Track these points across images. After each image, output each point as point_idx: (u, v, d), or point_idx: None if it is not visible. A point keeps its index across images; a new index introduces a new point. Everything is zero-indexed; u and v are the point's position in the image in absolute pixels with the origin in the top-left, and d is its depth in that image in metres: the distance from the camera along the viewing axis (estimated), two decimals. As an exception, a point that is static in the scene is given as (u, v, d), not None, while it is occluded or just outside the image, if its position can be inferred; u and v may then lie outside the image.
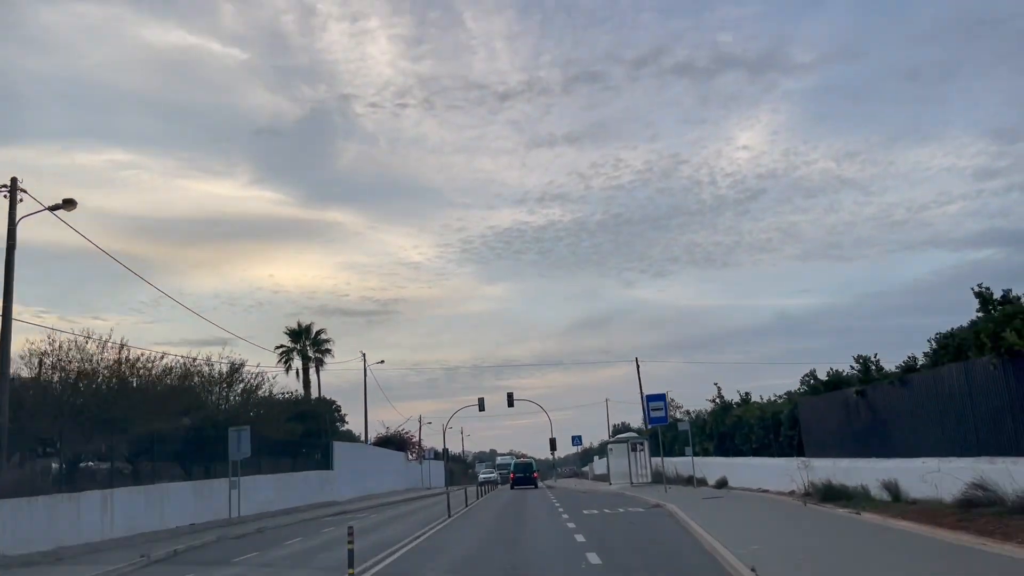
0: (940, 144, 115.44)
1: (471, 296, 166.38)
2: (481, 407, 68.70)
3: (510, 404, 65.84)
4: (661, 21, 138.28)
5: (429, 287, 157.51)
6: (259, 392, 36.29)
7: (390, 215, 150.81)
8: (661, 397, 32.34)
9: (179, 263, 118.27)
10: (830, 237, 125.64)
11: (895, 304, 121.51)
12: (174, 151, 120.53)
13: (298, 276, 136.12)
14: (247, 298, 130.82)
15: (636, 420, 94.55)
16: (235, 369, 33.67)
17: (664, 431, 34.87)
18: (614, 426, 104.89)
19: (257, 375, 35.67)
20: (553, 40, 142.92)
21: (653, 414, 31.72)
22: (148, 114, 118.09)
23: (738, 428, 30.82)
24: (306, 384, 58.51)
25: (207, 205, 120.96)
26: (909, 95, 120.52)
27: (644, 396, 30.41)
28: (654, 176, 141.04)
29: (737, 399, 34.63)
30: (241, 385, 34.57)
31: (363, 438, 62.79)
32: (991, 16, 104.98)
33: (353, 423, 64.25)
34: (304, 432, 43.48)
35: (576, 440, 72.12)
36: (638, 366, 62.61)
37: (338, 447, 47.74)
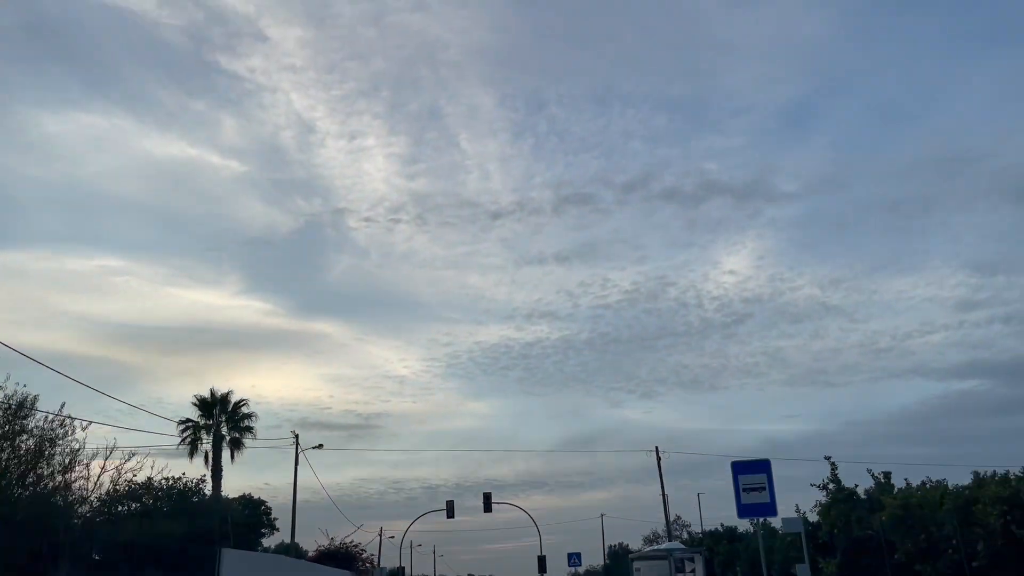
0: (922, 275, 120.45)
1: (455, 412, 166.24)
2: (450, 513, 53.41)
3: (487, 509, 51.01)
4: (650, 149, 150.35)
5: (413, 402, 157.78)
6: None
7: (378, 328, 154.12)
8: (763, 466, 18.09)
9: (161, 371, 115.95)
10: (816, 363, 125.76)
11: (882, 432, 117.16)
12: (166, 259, 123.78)
13: (280, 387, 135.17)
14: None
15: (635, 540, 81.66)
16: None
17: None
18: (610, 547, 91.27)
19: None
20: (545, 163, 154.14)
21: (747, 498, 17.58)
22: (143, 222, 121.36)
23: (904, 528, 16.75)
24: (216, 473, 43.48)
25: (195, 313, 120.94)
26: (891, 226, 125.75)
27: (733, 466, 16.50)
28: (641, 297, 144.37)
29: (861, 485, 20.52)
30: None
31: (293, 548, 47.13)
32: (967, 155, 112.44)
33: (302, 537, 49.95)
34: (188, 535, 30.59)
35: (574, 559, 56.24)
36: (658, 456, 48.35)
37: (232, 558, 32.04)
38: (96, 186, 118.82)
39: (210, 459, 43.54)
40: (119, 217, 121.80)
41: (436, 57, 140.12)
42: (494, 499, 51.41)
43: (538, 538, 55.43)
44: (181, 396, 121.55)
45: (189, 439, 43.62)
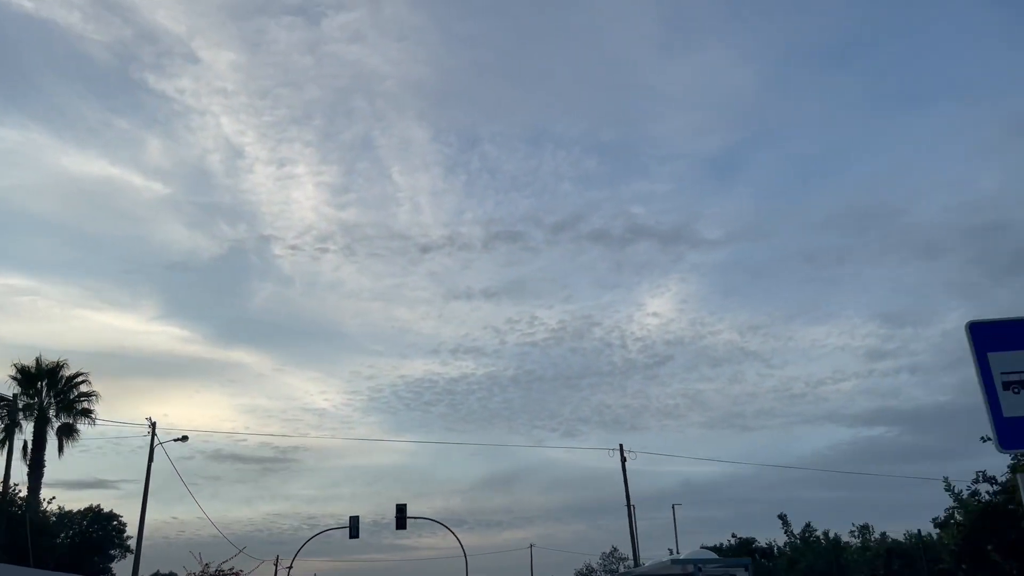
0: (835, 323, 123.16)
1: (376, 447, 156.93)
2: (354, 532, 43.33)
3: (401, 525, 41.44)
4: (579, 191, 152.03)
5: (332, 436, 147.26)
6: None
7: (298, 358, 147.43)
8: None
9: None
10: (734, 407, 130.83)
11: (795, 476, 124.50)
12: (78, 279, 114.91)
13: (194, 417, 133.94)
14: (137, 438, 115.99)
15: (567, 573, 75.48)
16: None
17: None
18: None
19: None
20: (476, 199, 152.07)
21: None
22: (56, 240, 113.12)
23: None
24: (36, 470, 31.94)
25: (106, 338, 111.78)
26: (807, 276, 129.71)
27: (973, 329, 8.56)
28: (568, 335, 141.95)
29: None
30: None
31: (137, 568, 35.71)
32: (880, 210, 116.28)
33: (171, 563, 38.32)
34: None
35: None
36: (623, 455, 40.17)
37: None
38: (6, 201, 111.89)
39: (29, 451, 32.08)
40: (29, 234, 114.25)
41: (371, 88, 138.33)
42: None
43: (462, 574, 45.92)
44: (82, 423, 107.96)
45: (2, 423, 32.02)
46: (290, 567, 59.84)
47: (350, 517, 42.35)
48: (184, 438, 35.09)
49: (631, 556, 50.46)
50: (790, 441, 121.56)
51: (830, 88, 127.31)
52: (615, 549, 62.40)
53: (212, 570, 46.20)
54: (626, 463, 39.98)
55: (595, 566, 61.93)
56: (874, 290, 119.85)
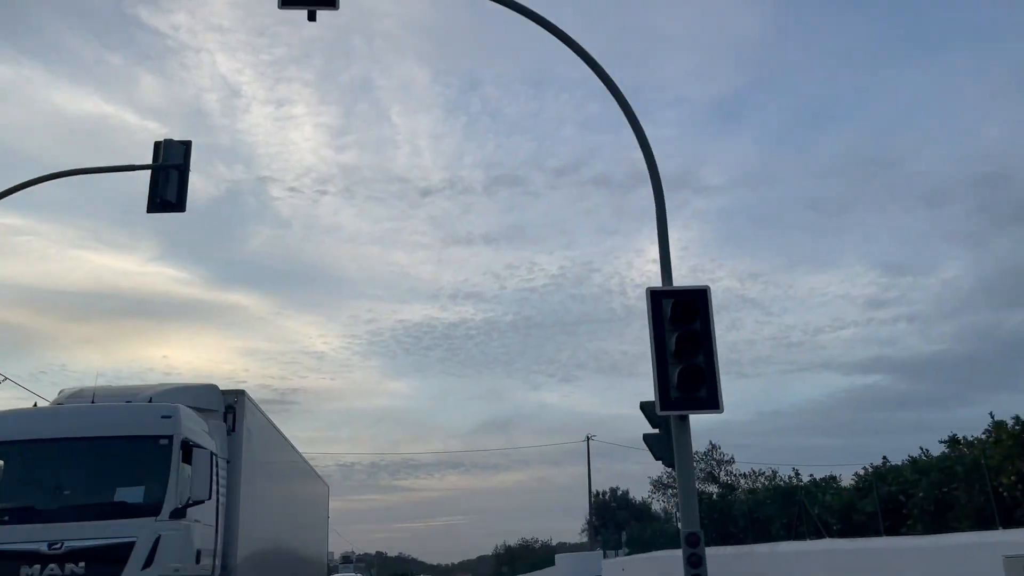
0: (836, 272, 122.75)
1: (374, 391, 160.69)
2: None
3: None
4: (581, 135, 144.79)
5: (331, 379, 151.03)
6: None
7: (297, 302, 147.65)
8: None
9: (64, 337, 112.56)
10: (731, 354, 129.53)
11: (790, 424, 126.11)
12: (75, 220, 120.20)
13: (194, 359, 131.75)
14: (136, 379, 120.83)
15: (550, 529, 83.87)
16: None
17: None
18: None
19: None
20: (476, 142, 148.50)
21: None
22: (51, 181, 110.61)
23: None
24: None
25: (103, 279, 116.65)
26: (810, 223, 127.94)
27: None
28: (567, 282, 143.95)
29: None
30: None
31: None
32: (885, 158, 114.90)
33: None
34: None
35: None
36: (588, 443, 48.32)
37: None
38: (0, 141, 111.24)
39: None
40: (24, 173, 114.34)
41: (372, 27, 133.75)
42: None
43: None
44: (86, 365, 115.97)
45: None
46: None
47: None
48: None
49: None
50: (786, 388, 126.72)
51: (837, 33, 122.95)
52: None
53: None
54: (590, 445, 47.72)
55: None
56: (876, 239, 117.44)
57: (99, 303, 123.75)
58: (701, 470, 53.94)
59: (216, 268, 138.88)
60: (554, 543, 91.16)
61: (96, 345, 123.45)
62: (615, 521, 55.97)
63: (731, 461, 53.66)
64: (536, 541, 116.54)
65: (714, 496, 36.87)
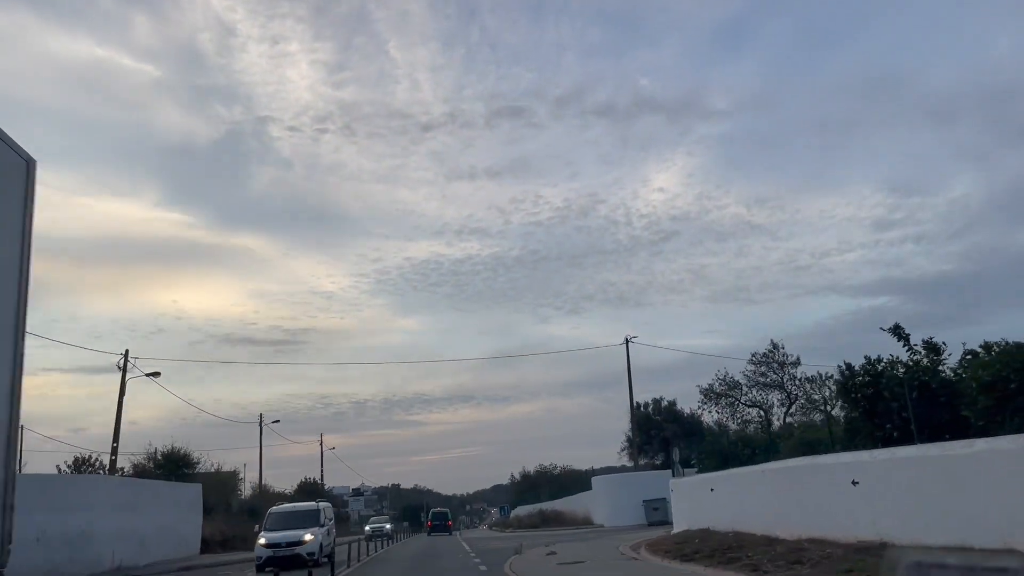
0: (843, 194, 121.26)
1: (384, 329, 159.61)
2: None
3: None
4: (583, 62, 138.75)
5: (341, 318, 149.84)
6: None
7: (304, 243, 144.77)
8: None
9: (75, 285, 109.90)
10: (738, 280, 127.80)
11: (797, 347, 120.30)
12: (76, 167, 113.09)
13: (203, 302, 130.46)
14: (148, 324, 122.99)
15: (570, 456, 79.48)
16: None
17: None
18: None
19: None
20: (476, 74, 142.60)
21: None
22: (49, 127, 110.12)
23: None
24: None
25: (109, 225, 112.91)
26: (817, 145, 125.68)
27: None
28: (572, 214, 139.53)
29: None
30: None
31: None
32: (892, 77, 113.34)
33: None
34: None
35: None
36: (628, 345, 40.16)
37: None
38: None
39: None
40: (21, 121, 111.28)
41: None
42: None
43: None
44: (98, 311, 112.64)
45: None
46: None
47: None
48: (156, 374, 35.83)
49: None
50: (793, 313, 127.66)
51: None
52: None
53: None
54: (629, 357, 39.73)
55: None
56: (883, 159, 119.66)
57: (108, 250, 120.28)
58: (762, 374, 46.17)
59: (221, 211, 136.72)
60: (577, 469, 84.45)
61: (107, 292, 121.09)
62: (661, 437, 48.23)
63: (796, 363, 45.78)
64: (554, 467, 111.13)
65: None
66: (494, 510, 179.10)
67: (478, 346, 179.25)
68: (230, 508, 47.97)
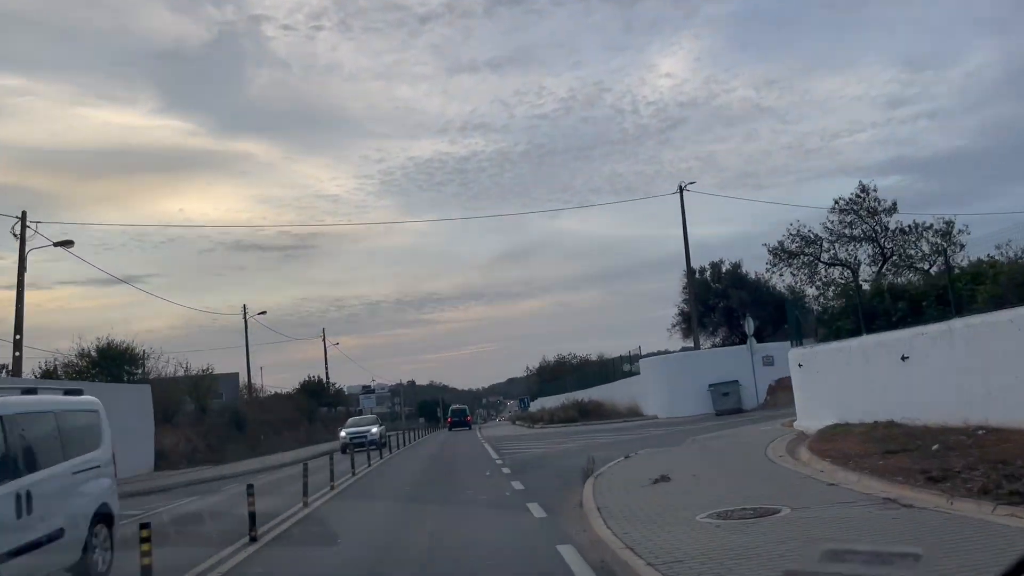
0: (854, 72, 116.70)
1: (391, 229, 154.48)
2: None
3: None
4: None
5: (348, 221, 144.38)
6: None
7: (306, 146, 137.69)
8: None
9: (81, 197, 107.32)
10: (747, 166, 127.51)
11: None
12: (71, 77, 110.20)
13: (210, 210, 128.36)
14: (157, 233, 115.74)
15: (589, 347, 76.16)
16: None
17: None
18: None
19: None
20: None
21: None
22: (39, 37, 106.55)
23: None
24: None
25: (109, 135, 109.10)
26: (827, 22, 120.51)
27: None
28: (577, 104, 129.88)
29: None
30: None
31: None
32: None
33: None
34: None
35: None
36: (682, 193, 30.87)
37: None
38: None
39: None
40: (10, 33, 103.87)
41: None
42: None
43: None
44: (105, 222, 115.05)
45: None
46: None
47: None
48: (68, 243, 26.31)
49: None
50: (802, 197, 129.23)
51: None
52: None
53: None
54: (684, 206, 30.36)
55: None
56: (898, 32, 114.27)
57: (110, 160, 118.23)
58: (847, 224, 36.98)
59: (220, 116, 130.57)
60: (607, 357, 76.78)
61: (113, 203, 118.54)
62: (723, 307, 39.31)
63: (891, 209, 36.55)
64: (573, 357, 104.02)
65: None
66: (511, 402, 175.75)
67: (487, 244, 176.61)
68: (205, 414, 40.01)
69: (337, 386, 79.55)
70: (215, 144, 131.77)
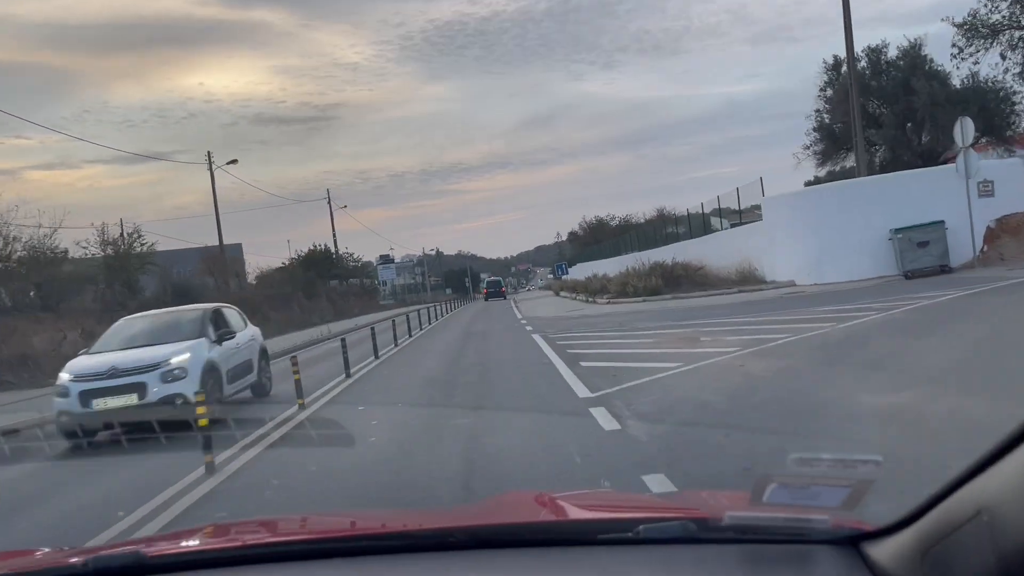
0: None
1: (413, 97, 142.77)
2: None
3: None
4: None
5: (370, 90, 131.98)
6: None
7: (321, 12, 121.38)
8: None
9: (98, 74, 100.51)
10: (780, 18, 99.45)
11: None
12: None
13: (229, 83, 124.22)
14: (179, 109, 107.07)
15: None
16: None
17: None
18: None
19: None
20: None
21: None
22: None
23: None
24: None
25: (120, 7, 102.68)
26: None
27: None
28: None
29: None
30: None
31: None
32: None
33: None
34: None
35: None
36: None
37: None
38: None
39: None
40: None
41: None
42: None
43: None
44: (127, 100, 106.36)
45: None
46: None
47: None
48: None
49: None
50: (839, 48, 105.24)
51: None
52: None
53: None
54: None
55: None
56: None
57: (124, 34, 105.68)
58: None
59: None
60: (669, 214, 64.31)
61: (132, 79, 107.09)
62: (899, 110, 26.09)
63: None
64: (613, 218, 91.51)
65: None
66: (540, 269, 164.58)
67: (511, 109, 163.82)
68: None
69: (354, 256, 68.98)
70: (229, 14, 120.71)
